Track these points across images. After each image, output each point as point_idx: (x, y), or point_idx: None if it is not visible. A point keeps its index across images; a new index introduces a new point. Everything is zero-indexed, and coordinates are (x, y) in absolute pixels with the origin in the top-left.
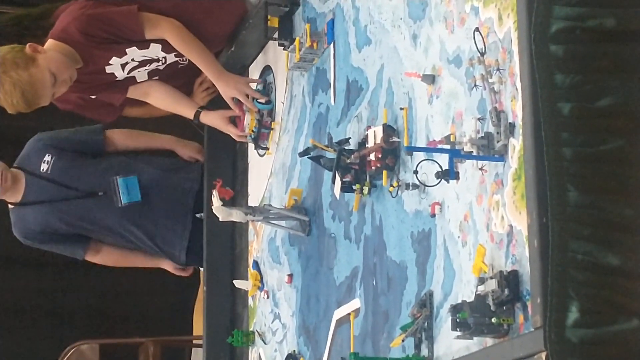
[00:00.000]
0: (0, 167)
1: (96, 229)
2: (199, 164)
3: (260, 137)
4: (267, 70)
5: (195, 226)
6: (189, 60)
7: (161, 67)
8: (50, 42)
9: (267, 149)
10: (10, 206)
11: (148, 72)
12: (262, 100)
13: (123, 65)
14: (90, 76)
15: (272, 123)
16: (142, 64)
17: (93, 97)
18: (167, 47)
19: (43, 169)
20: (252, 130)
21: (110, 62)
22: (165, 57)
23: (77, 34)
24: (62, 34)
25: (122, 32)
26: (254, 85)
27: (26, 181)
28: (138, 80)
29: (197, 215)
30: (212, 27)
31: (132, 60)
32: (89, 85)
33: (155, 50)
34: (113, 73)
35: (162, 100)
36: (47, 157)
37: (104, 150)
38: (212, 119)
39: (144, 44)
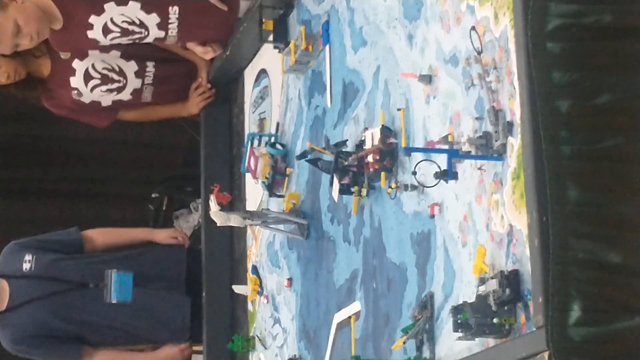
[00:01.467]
0: None
1: (93, 320)
2: (179, 247)
3: (274, 184)
4: (262, 73)
5: (194, 307)
6: (177, 39)
7: (145, 40)
8: None
9: (282, 196)
10: None
11: (134, 41)
12: (277, 145)
13: (105, 31)
14: (72, 41)
15: (287, 169)
16: (125, 33)
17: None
18: (146, 6)
19: (26, 268)
20: (266, 177)
21: (90, 21)
22: (147, 26)
23: None
24: None
25: None
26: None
27: (10, 286)
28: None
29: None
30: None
31: (113, 23)
32: (72, 47)
33: (134, 9)
34: (95, 39)
35: None
36: (28, 257)
37: (83, 249)
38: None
39: (122, 0)
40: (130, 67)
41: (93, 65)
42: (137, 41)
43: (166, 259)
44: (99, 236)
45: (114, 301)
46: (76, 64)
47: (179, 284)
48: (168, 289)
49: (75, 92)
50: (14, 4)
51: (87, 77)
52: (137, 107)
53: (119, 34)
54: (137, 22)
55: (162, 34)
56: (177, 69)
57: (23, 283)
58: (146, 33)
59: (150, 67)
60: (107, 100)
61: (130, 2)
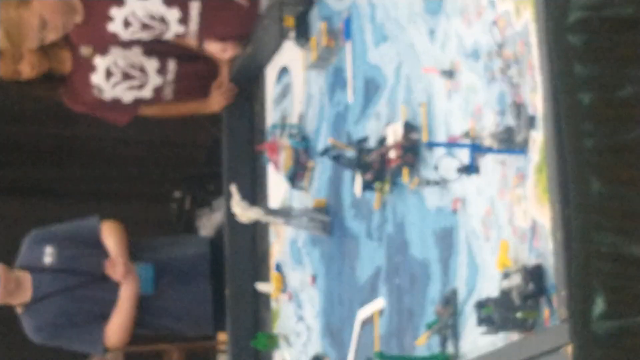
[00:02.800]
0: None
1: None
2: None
3: (296, 177)
4: (283, 70)
5: (216, 294)
6: (197, 35)
7: (166, 36)
8: None
9: (303, 189)
10: (19, 310)
11: (154, 36)
12: (297, 138)
13: (126, 24)
14: (92, 34)
15: (309, 162)
16: (145, 27)
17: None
18: (168, 1)
19: (47, 262)
20: (288, 169)
21: (110, 14)
22: (168, 21)
23: None
24: None
25: None
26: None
27: (32, 279)
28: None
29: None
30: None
31: (134, 16)
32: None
33: (155, 4)
34: (116, 34)
35: None
36: (49, 249)
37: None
38: (214, 46)
39: None
40: (152, 64)
41: (115, 62)
42: (157, 37)
43: (188, 248)
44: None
45: None
46: (97, 60)
47: (202, 274)
48: (191, 280)
49: (96, 89)
50: None
51: (109, 74)
52: (158, 104)
53: (139, 28)
54: (158, 17)
55: (182, 29)
56: (199, 66)
57: (45, 276)
58: (167, 28)
59: (171, 64)
60: (128, 97)
61: None
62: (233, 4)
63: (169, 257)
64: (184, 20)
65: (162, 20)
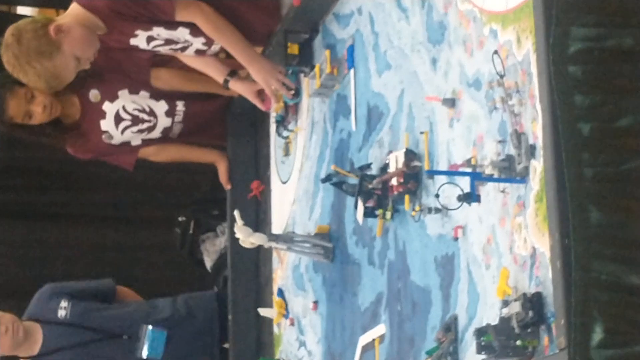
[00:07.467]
0: (9, 319)
1: None
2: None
3: (284, 120)
4: None
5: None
6: (218, 49)
7: (187, 51)
8: (74, 9)
9: (291, 131)
10: None
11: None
12: (290, 96)
13: (148, 39)
14: (113, 42)
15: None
16: (168, 42)
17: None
18: (195, 32)
19: (61, 315)
20: (278, 113)
21: (135, 33)
22: (191, 42)
23: (105, 9)
24: (89, 4)
25: (153, 13)
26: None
27: (43, 331)
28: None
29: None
30: (248, 20)
31: (158, 36)
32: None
33: (182, 33)
34: (137, 45)
35: (193, 60)
36: (64, 303)
37: (115, 298)
38: (241, 87)
39: (172, 25)
40: (161, 106)
41: (124, 107)
42: (178, 51)
43: (197, 309)
44: (132, 296)
45: (144, 357)
46: (106, 106)
47: (211, 333)
48: (198, 339)
49: (106, 134)
50: (64, 40)
51: (118, 119)
52: (164, 143)
53: (162, 43)
54: (182, 40)
55: (205, 47)
56: (207, 105)
57: (57, 330)
58: (189, 44)
59: (180, 105)
60: (137, 139)
61: (180, 28)
62: (250, 28)
63: (179, 321)
64: (209, 43)
65: (186, 41)
